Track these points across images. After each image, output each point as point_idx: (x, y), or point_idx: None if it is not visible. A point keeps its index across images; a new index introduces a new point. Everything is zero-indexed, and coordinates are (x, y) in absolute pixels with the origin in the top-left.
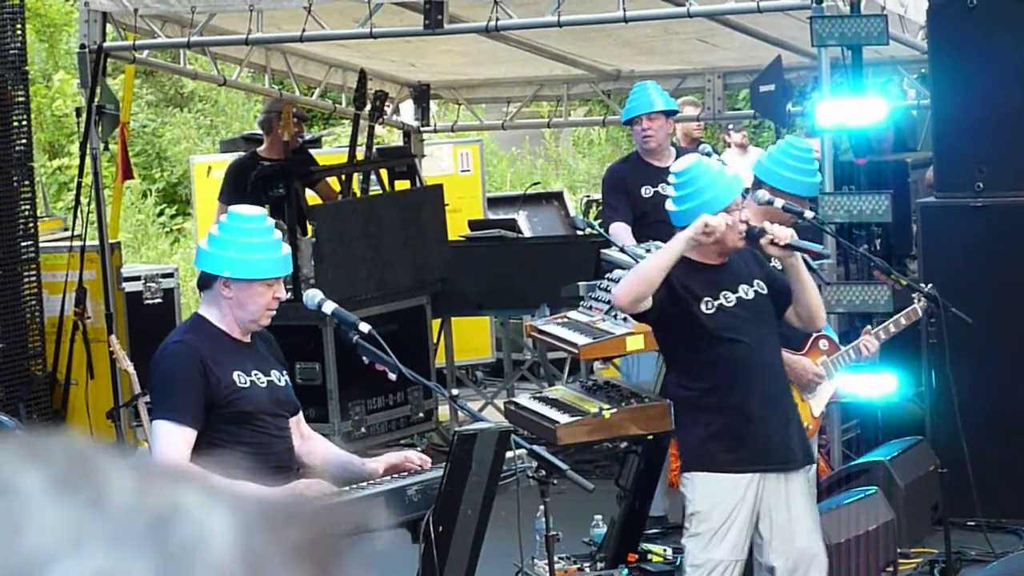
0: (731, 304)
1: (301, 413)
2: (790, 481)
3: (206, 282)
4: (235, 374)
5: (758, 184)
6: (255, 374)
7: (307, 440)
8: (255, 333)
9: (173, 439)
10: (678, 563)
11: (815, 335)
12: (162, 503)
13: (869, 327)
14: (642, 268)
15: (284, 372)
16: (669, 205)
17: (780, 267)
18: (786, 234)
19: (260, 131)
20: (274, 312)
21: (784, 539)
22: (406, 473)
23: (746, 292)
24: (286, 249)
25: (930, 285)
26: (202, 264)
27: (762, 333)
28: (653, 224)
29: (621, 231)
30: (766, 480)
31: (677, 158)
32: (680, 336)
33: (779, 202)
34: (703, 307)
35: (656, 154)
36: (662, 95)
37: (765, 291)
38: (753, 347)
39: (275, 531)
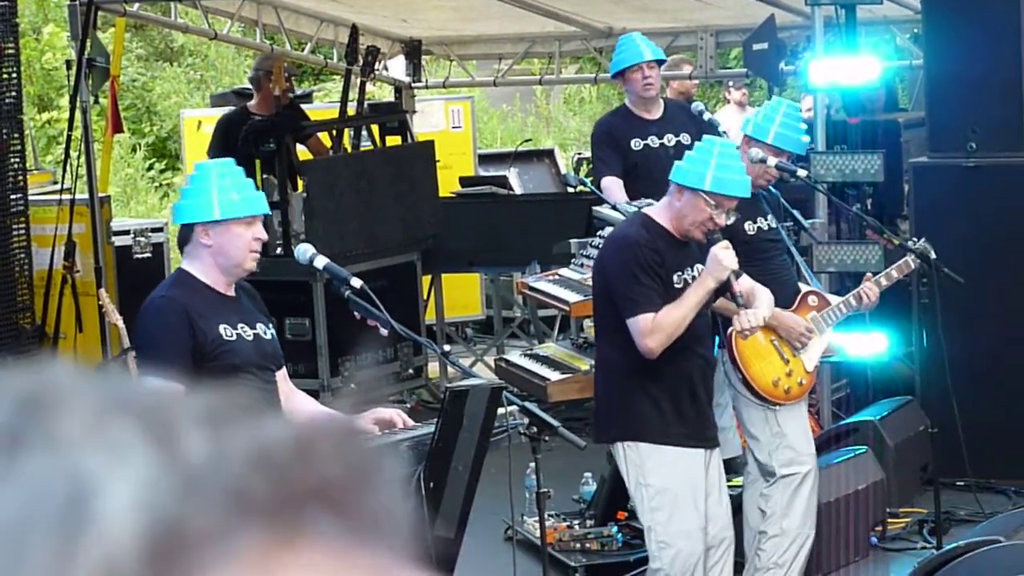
0: (691, 281)
1: (285, 368)
2: (716, 457)
3: (185, 236)
4: (221, 327)
5: (748, 143)
6: (241, 327)
7: (291, 396)
8: (239, 288)
9: None
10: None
11: (805, 291)
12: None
13: (870, 275)
14: (676, 320)
15: (270, 325)
16: (679, 162)
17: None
18: (726, 255)
19: (250, 86)
20: (257, 255)
21: (715, 506)
22: (396, 429)
23: (696, 272)
24: (260, 193)
25: (923, 240)
26: (178, 218)
27: (704, 311)
28: (643, 178)
29: (612, 185)
30: (708, 455)
31: (665, 112)
32: None
33: (772, 160)
34: (675, 280)
35: (650, 105)
36: (650, 44)
37: None
38: (699, 322)
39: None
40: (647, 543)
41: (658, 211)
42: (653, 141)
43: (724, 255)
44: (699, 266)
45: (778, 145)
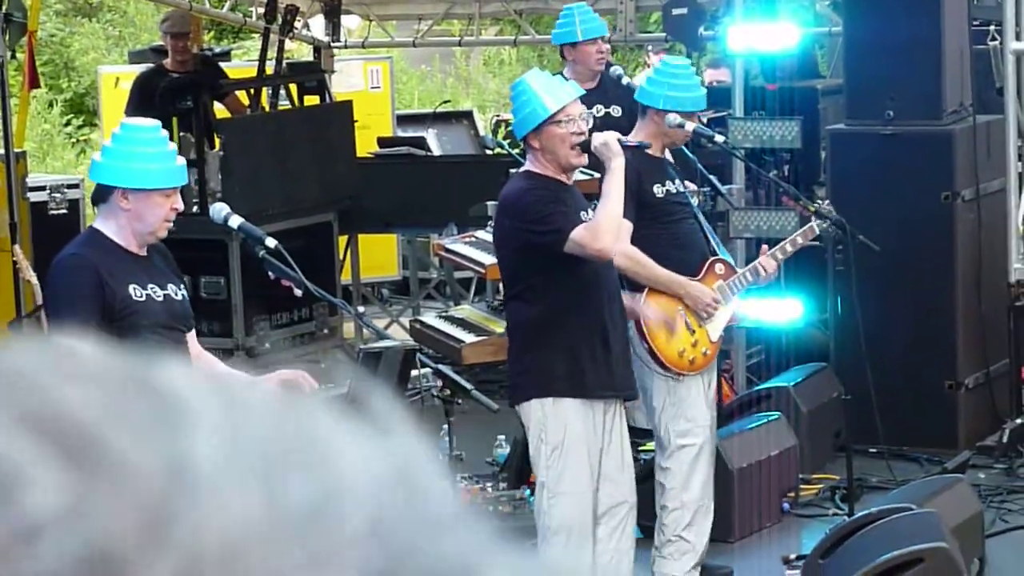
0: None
1: (194, 331)
2: (621, 410)
3: (102, 195)
4: (131, 287)
5: (645, 110)
6: (151, 288)
7: (199, 358)
8: (152, 248)
9: None
10: (528, 496)
11: (711, 259)
12: None
13: (766, 247)
14: (611, 211)
15: (181, 286)
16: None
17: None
18: (608, 137)
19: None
20: (171, 224)
21: (616, 468)
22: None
23: (588, 213)
24: (182, 160)
25: (828, 203)
26: (98, 176)
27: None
28: None
29: None
30: (610, 406)
31: (601, 82)
32: (539, 258)
33: (690, 126)
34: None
35: (592, 77)
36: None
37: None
38: (603, 270)
39: None
40: (537, 500)
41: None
42: (598, 110)
43: (601, 136)
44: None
45: (672, 108)
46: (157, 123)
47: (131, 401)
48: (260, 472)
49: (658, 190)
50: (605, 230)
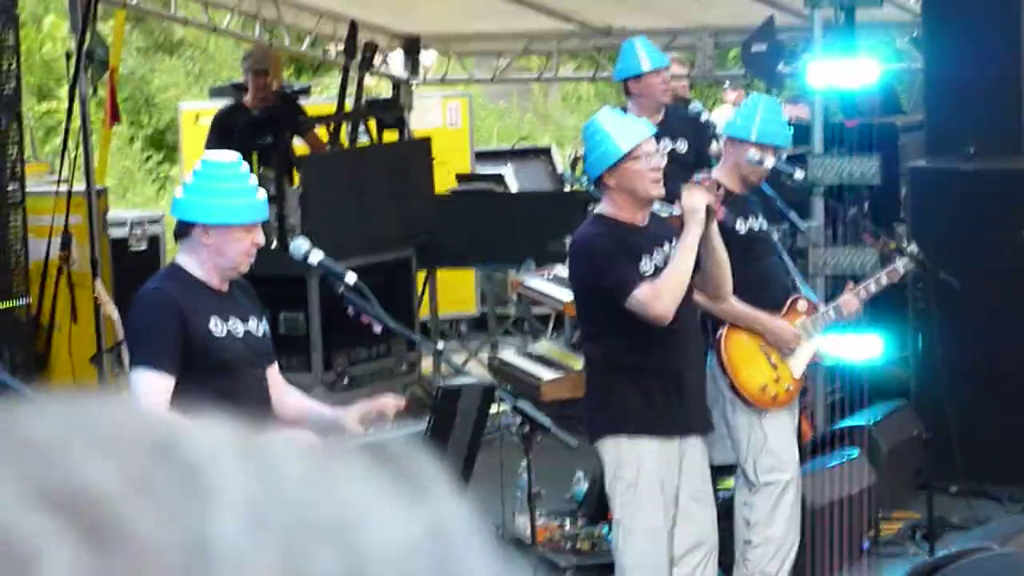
0: (662, 265)
1: (276, 364)
2: (702, 448)
3: (183, 231)
4: (212, 322)
5: (732, 144)
6: (232, 323)
7: (281, 392)
8: (233, 282)
9: (152, 387)
10: (606, 533)
11: (794, 296)
12: None
13: (851, 284)
14: (676, 278)
15: (262, 321)
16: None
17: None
18: (701, 204)
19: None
20: (252, 258)
21: (696, 508)
22: (390, 425)
23: (667, 254)
24: (262, 194)
25: (914, 245)
26: (179, 212)
27: (689, 304)
28: None
29: None
30: (686, 445)
31: (666, 117)
32: (617, 306)
33: (770, 161)
34: (643, 267)
35: (657, 110)
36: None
37: None
38: (686, 315)
39: None
40: (614, 537)
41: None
42: (666, 143)
43: (692, 197)
44: (667, 244)
45: (762, 141)
46: (238, 157)
47: (152, 474)
48: (284, 546)
49: (740, 225)
50: (667, 293)
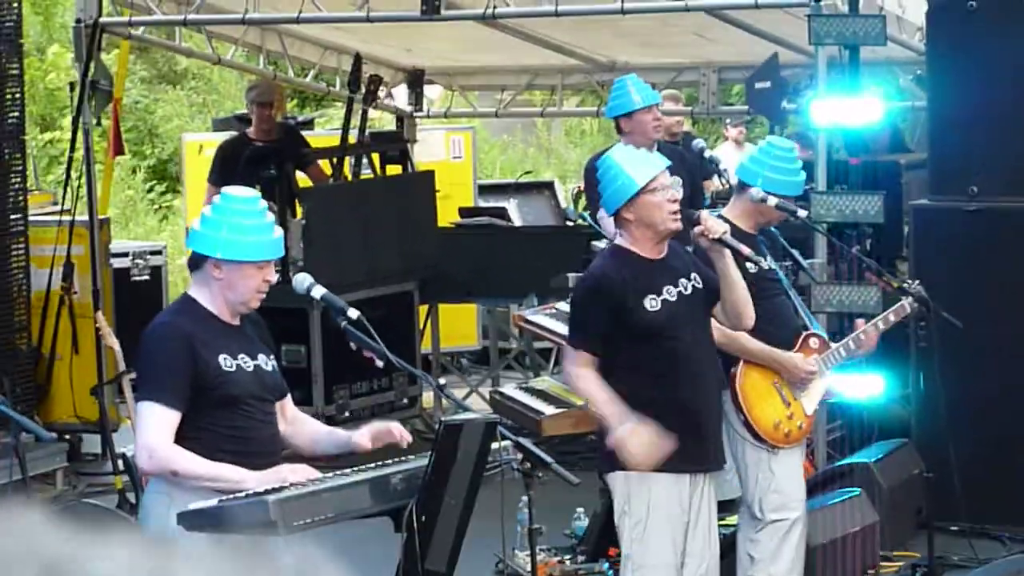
0: (673, 299)
1: (289, 396)
2: (713, 483)
3: (197, 263)
4: (221, 357)
5: (743, 187)
6: (242, 357)
7: (294, 422)
8: (244, 316)
9: (157, 421)
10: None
11: (805, 333)
12: None
13: (861, 320)
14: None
15: (271, 356)
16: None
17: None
18: (719, 228)
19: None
20: (264, 295)
21: (703, 546)
22: (391, 461)
23: (685, 287)
24: (278, 232)
25: (918, 283)
26: (193, 244)
27: (699, 327)
28: None
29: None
30: (698, 481)
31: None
32: (624, 337)
33: (772, 200)
34: (648, 304)
35: (649, 146)
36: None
37: (700, 285)
38: (692, 342)
39: None
40: (621, 572)
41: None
42: None
43: (708, 226)
44: (693, 274)
45: (768, 189)
46: (257, 194)
47: None
48: None
49: (750, 267)
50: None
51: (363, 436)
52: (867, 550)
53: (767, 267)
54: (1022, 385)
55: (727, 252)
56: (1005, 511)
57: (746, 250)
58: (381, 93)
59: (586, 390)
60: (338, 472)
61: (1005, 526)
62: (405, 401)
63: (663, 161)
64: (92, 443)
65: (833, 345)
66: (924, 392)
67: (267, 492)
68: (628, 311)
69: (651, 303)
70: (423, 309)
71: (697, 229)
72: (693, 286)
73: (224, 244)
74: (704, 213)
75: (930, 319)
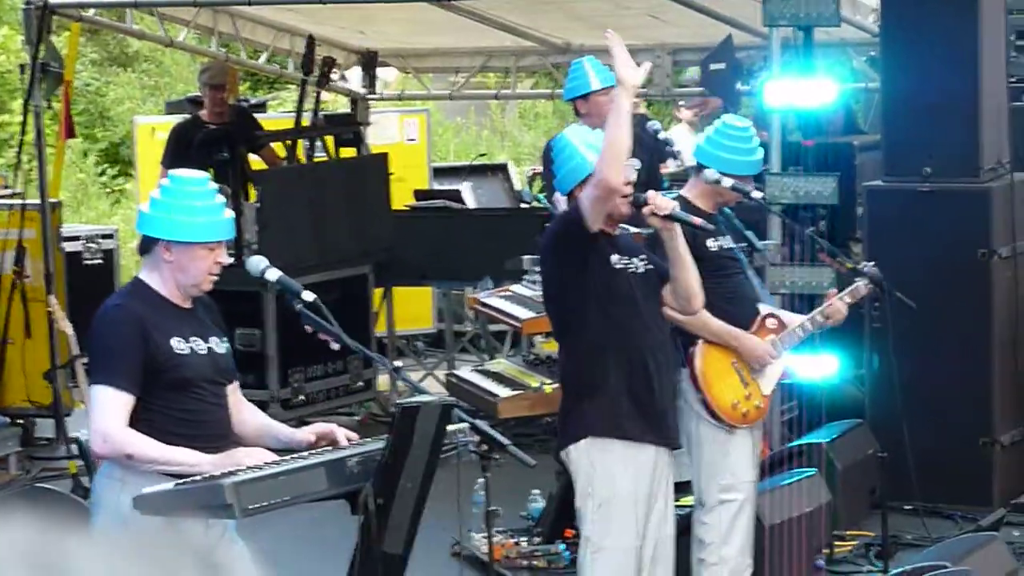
0: (631, 271)
1: (237, 382)
2: (671, 463)
3: (147, 246)
4: (174, 340)
5: (700, 168)
6: (194, 340)
7: (240, 410)
8: (196, 299)
9: (111, 405)
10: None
11: (764, 314)
12: None
13: (835, 291)
14: (616, 142)
15: (224, 339)
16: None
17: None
18: (668, 205)
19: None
20: (216, 277)
21: (658, 526)
22: (340, 446)
23: (637, 266)
24: (229, 213)
25: (872, 264)
26: (143, 228)
27: (653, 306)
28: None
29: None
30: (660, 460)
31: None
32: (584, 298)
33: (727, 181)
34: (613, 263)
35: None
36: None
37: (652, 266)
38: (649, 318)
39: None
40: (581, 554)
41: None
42: None
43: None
44: (644, 256)
45: (725, 171)
46: (206, 176)
47: None
48: None
49: (711, 244)
50: (609, 160)
51: (307, 435)
52: (821, 529)
53: (725, 245)
54: (974, 365)
55: (678, 231)
56: (958, 490)
57: (697, 220)
58: (334, 75)
59: None
60: (294, 455)
61: (957, 505)
62: (360, 384)
63: None
64: (46, 427)
65: (790, 325)
66: (878, 372)
67: (223, 476)
68: (593, 271)
69: (617, 263)
70: (378, 292)
71: (646, 209)
72: (645, 266)
73: (173, 226)
74: (651, 192)
75: (884, 300)
